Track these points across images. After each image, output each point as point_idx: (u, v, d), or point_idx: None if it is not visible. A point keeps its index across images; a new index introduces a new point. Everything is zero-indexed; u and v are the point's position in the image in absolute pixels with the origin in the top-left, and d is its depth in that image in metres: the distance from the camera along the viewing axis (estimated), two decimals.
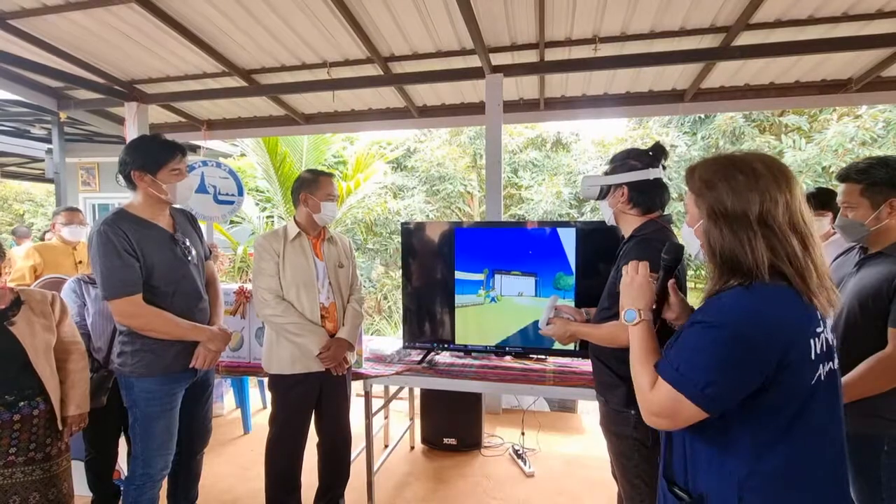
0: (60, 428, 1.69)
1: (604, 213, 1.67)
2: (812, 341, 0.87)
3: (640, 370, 0.99)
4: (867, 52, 3.04)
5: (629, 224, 1.57)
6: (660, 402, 0.92)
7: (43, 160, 6.05)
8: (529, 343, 2.37)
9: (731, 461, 0.90)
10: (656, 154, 1.55)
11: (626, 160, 1.57)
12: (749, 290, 0.88)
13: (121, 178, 1.83)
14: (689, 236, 1.04)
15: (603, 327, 1.55)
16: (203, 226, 2.19)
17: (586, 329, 1.60)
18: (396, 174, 9.06)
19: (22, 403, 1.59)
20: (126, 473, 1.96)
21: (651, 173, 1.52)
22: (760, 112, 7.10)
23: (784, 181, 0.92)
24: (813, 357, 0.87)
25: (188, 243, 1.90)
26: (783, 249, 0.88)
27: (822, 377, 0.89)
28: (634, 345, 1.03)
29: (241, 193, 3.42)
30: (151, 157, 1.77)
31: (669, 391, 0.90)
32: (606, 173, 1.60)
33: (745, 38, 2.94)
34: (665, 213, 1.59)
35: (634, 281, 1.09)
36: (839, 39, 2.81)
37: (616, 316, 1.49)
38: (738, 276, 0.90)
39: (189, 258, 1.88)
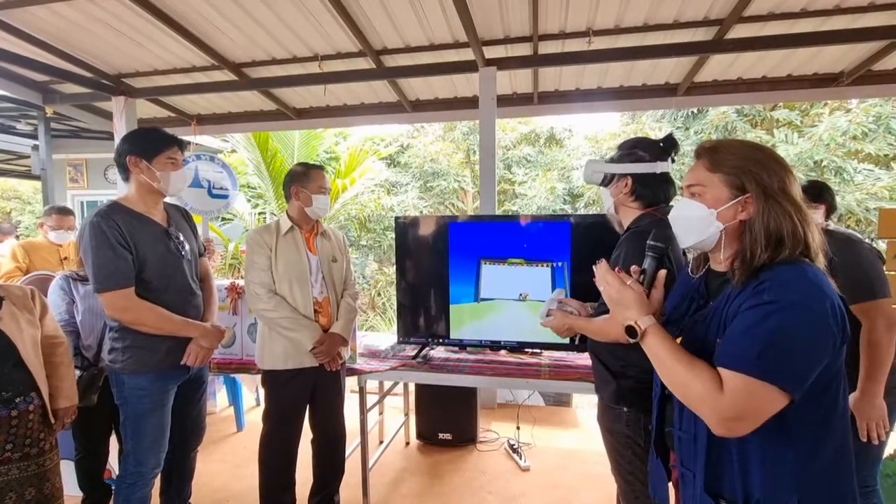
0: (53, 421, 1.68)
1: (604, 200, 1.61)
2: None
3: (690, 377, 0.87)
4: (859, 45, 3.05)
5: (628, 216, 1.54)
6: (739, 401, 0.82)
7: (29, 156, 5.94)
8: (524, 336, 2.37)
9: (790, 455, 0.87)
10: (667, 147, 1.48)
11: (633, 150, 1.50)
12: (802, 265, 0.88)
13: (109, 173, 1.82)
14: (701, 220, 0.96)
15: (594, 321, 1.53)
16: (199, 223, 2.17)
17: (582, 323, 1.58)
18: (390, 170, 9.03)
19: (18, 399, 1.58)
20: (117, 472, 1.94)
21: (658, 166, 1.46)
22: (752, 107, 7.13)
23: (789, 166, 0.95)
24: None
25: (182, 238, 1.87)
26: (810, 227, 0.90)
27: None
28: (662, 356, 0.92)
29: (234, 187, 3.39)
30: (149, 143, 1.78)
31: (753, 385, 0.81)
32: (612, 159, 1.54)
33: (739, 32, 2.94)
34: (667, 205, 1.53)
35: (610, 289, 1.02)
36: (831, 32, 2.82)
37: (608, 310, 1.49)
38: (771, 256, 0.88)
39: (182, 253, 1.85)
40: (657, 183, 1.49)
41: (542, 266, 2.31)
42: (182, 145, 1.87)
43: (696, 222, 0.97)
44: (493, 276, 2.37)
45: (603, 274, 1.05)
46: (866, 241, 1.70)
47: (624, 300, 1.00)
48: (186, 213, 2.03)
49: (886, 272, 2.37)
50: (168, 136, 1.83)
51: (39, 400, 1.64)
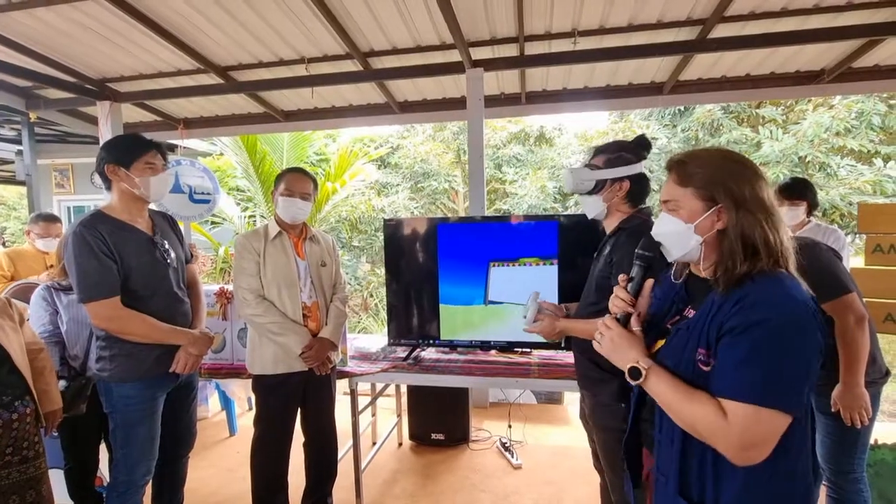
0: (44, 425, 1.69)
1: (587, 207, 1.60)
2: None
3: (695, 413, 0.88)
4: (838, 43, 3.10)
5: (616, 218, 1.55)
6: (747, 430, 0.82)
7: (13, 162, 5.86)
8: (513, 336, 2.38)
9: (766, 463, 0.86)
10: (642, 146, 1.53)
11: (620, 153, 1.52)
12: (779, 277, 0.88)
13: (96, 178, 1.80)
14: (682, 235, 0.98)
15: (590, 322, 1.54)
16: (182, 227, 2.15)
17: (581, 326, 1.57)
18: (380, 171, 9.02)
19: (17, 403, 1.59)
20: (108, 480, 1.92)
21: (642, 166, 1.51)
22: (738, 104, 7.22)
23: (759, 170, 0.96)
24: None
25: (167, 246, 1.86)
26: (780, 232, 0.91)
27: None
28: (665, 394, 0.93)
29: (216, 191, 3.36)
30: (125, 150, 1.76)
31: (758, 413, 0.82)
32: (598, 166, 1.54)
33: (721, 31, 2.98)
34: (645, 205, 1.57)
35: (611, 333, 1.03)
36: (811, 31, 2.87)
37: (606, 310, 1.50)
38: (751, 266, 0.89)
39: (168, 261, 1.84)
40: (645, 183, 1.54)
41: (549, 264, 2.31)
42: (162, 149, 1.83)
43: (678, 237, 0.99)
44: (496, 278, 2.37)
45: (604, 321, 1.07)
46: (822, 243, 1.75)
47: (626, 342, 1.01)
48: (172, 219, 2.01)
49: (866, 266, 2.43)
50: (145, 140, 1.80)
51: (33, 404, 1.65)
